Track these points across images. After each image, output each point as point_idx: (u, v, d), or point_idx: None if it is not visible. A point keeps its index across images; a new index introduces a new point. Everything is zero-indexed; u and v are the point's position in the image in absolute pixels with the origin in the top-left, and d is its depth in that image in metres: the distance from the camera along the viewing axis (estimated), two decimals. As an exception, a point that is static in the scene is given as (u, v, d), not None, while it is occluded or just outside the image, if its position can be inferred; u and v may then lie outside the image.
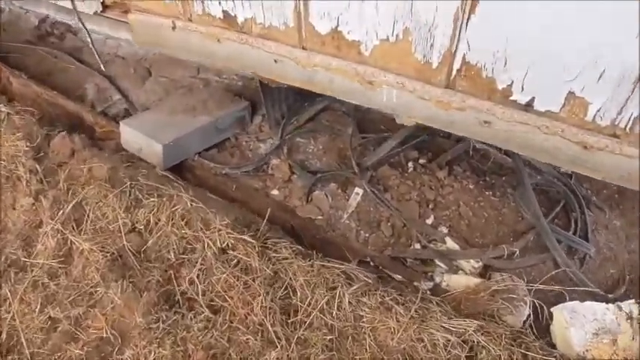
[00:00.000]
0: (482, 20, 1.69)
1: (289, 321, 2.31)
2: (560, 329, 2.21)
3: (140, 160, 2.98)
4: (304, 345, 2.23)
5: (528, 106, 1.81)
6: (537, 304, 2.24)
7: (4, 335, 2.53)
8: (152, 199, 2.62)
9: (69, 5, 3.33)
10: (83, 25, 3.32)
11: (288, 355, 2.20)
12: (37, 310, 2.52)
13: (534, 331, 2.24)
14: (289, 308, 2.35)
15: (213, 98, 3.29)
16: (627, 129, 1.71)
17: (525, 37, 1.67)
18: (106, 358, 2.35)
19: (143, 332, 2.31)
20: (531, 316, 2.28)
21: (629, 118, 1.68)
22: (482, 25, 1.71)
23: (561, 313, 2.22)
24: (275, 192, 2.97)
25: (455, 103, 1.95)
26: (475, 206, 2.72)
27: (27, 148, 2.99)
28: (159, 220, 2.61)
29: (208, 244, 2.42)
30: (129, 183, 2.65)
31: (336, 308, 2.26)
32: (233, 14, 2.38)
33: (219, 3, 2.38)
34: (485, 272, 2.49)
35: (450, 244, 2.61)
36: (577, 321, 2.21)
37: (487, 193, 2.77)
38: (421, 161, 2.99)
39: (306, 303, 2.30)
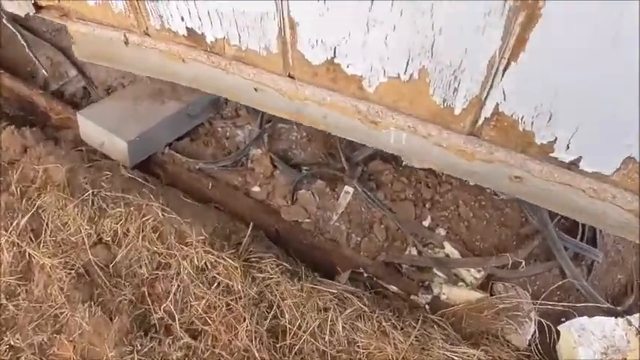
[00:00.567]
0: (526, 69, 1.35)
1: (277, 345, 2.12)
2: (567, 349, 2.08)
3: (103, 156, 2.66)
4: (294, 373, 2.06)
5: (572, 165, 1.50)
6: (545, 324, 2.09)
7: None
8: (118, 209, 2.32)
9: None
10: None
11: (277, 385, 2.03)
12: (-5, 337, 2.28)
13: (539, 349, 2.10)
14: (277, 329, 2.16)
15: (183, 80, 2.92)
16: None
17: (579, 93, 1.34)
18: (77, 393, 2.15)
19: (117, 364, 2.10)
20: (537, 333, 2.13)
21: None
22: (525, 75, 1.37)
23: (569, 332, 2.09)
24: (256, 189, 2.69)
25: (480, 154, 1.63)
26: (475, 206, 2.50)
27: (-31, 145, 2.63)
28: (128, 231, 2.33)
29: (184, 264, 2.17)
30: (91, 191, 2.34)
31: (328, 333, 2.07)
32: (200, 32, 1.96)
33: (182, 19, 1.94)
34: (487, 281, 2.32)
35: (449, 249, 2.41)
36: (585, 339, 2.08)
37: (488, 190, 2.54)
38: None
39: (296, 326, 2.11)
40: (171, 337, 2.17)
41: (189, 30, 1.98)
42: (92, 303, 2.24)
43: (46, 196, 2.41)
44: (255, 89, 2.00)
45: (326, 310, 2.10)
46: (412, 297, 2.31)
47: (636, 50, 1.16)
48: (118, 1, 2.09)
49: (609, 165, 1.44)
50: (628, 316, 2.13)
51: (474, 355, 1.95)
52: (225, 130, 2.96)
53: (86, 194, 2.33)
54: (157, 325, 2.20)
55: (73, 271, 2.30)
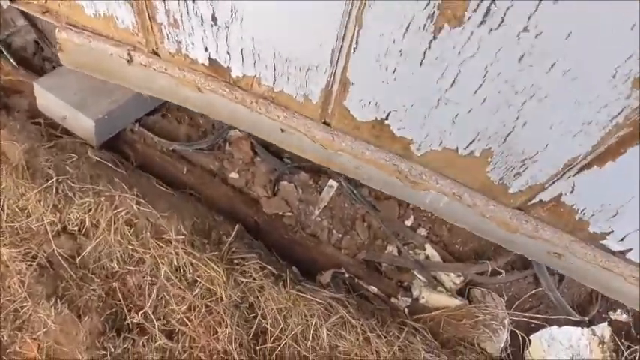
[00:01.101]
0: (608, 175, 1.29)
1: (257, 348, 2.08)
2: (536, 357, 2.19)
3: (65, 132, 2.40)
4: (275, 377, 2.04)
5: (619, 253, 1.48)
6: (518, 334, 2.17)
7: None
8: (87, 199, 2.13)
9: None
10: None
11: (257, 390, 2.01)
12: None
13: (510, 357, 2.20)
14: (258, 330, 2.12)
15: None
16: None
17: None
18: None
19: (88, 367, 1.99)
20: (509, 340, 2.22)
21: None
22: (605, 180, 1.31)
23: (539, 341, 2.19)
24: (234, 175, 2.55)
25: (525, 230, 1.56)
26: (458, 208, 2.50)
27: None
28: (97, 222, 2.16)
29: (161, 263, 2.05)
30: (55, 178, 2.11)
31: (311, 338, 2.05)
32: (225, 65, 1.69)
33: (206, 50, 1.65)
34: (464, 285, 2.36)
35: (430, 251, 2.42)
36: (553, 349, 2.19)
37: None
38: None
39: (278, 329, 2.07)
40: (146, 337, 2.08)
41: (212, 61, 1.72)
42: (57, 298, 2.09)
43: (1, 178, 2.16)
44: (282, 130, 1.77)
45: (311, 316, 2.07)
46: (392, 300, 2.32)
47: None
48: (125, 17, 1.76)
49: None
50: (593, 327, 2.25)
51: (454, 366, 2.01)
52: (200, 105, 2.75)
53: (50, 182, 2.11)
54: (130, 324, 2.10)
55: (34, 263, 2.13)
